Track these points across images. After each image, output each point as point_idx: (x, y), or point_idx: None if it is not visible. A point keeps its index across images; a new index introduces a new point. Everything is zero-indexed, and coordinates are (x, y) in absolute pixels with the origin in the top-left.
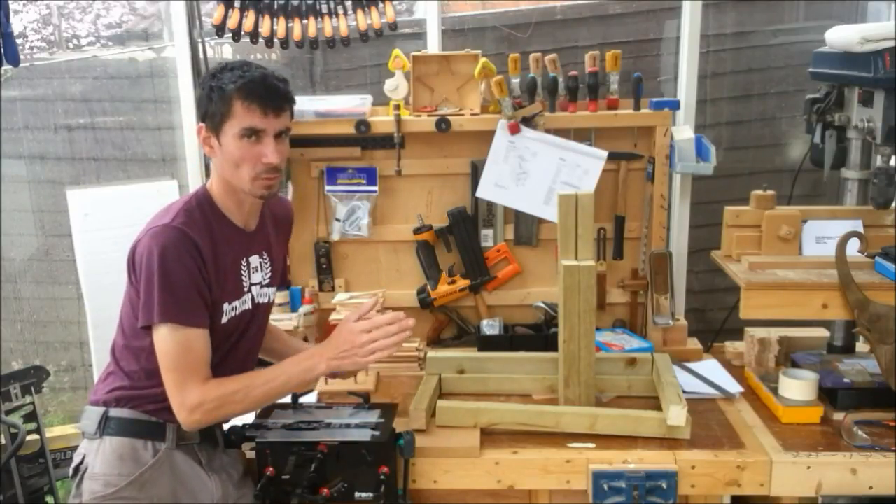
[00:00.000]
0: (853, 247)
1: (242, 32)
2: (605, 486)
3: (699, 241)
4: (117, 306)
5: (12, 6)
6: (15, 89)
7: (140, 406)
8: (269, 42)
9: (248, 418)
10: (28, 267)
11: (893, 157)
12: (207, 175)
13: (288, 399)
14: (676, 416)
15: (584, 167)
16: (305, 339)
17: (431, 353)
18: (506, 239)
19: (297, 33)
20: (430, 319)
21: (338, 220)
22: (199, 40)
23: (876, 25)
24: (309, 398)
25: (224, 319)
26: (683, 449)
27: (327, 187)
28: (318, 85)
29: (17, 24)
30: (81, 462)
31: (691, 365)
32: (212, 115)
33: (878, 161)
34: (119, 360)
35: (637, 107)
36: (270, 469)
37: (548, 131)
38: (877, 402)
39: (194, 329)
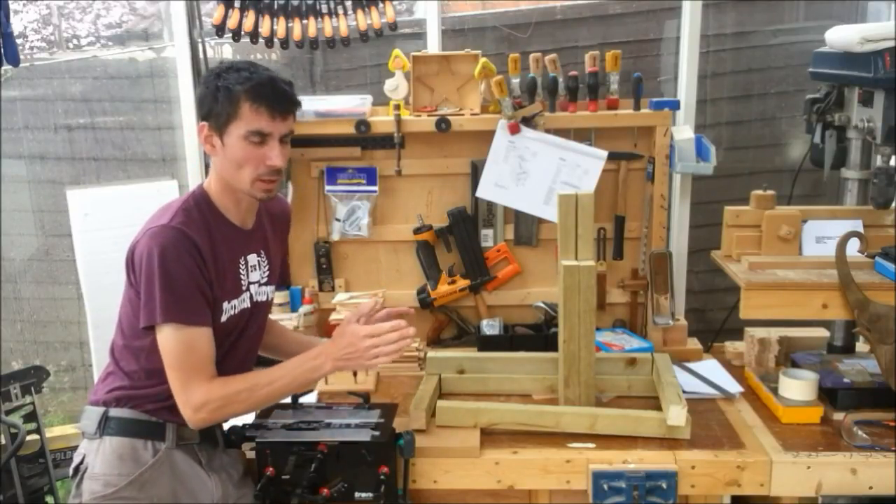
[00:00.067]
0: (853, 247)
1: (242, 32)
2: (605, 486)
3: (699, 241)
4: (117, 306)
5: (12, 6)
6: (15, 89)
7: (140, 406)
8: (269, 42)
9: (249, 418)
10: (28, 267)
11: (893, 157)
12: (207, 175)
13: (288, 399)
14: (676, 416)
15: (584, 167)
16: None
17: (431, 353)
18: (506, 239)
19: (297, 33)
20: (430, 319)
21: (338, 220)
22: (199, 40)
23: (876, 25)
24: (309, 398)
25: (223, 318)
26: (683, 449)
27: (327, 187)
28: (318, 85)
29: (17, 24)
30: (81, 462)
31: (691, 365)
32: (216, 114)
33: (878, 161)
34: (118, 360)
35: (637, 107)
36: (270, 469)
37: (548, 131)
38: (877, 402)
39: (197, 328)
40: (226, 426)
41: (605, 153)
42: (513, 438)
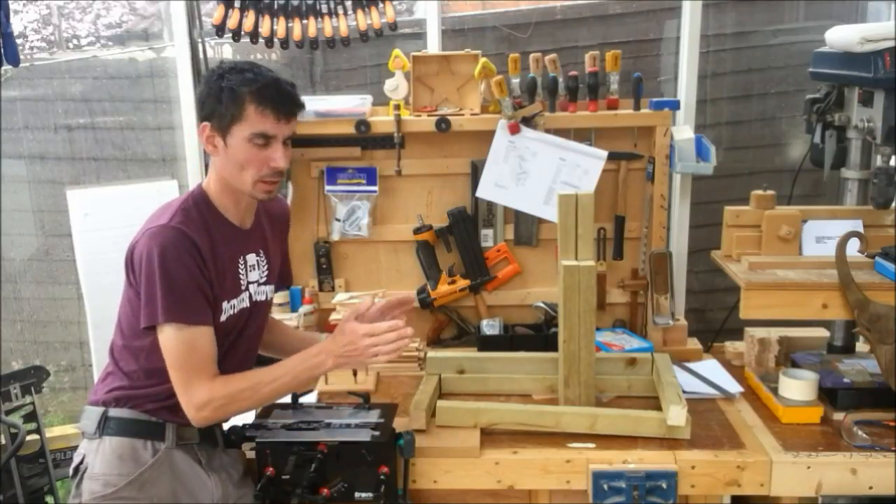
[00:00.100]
0: (853, 247)
1: (242, 32)
2: (605, 486)
3: (699, 241)
4: (117, 306)
5: (12, 6)
6: (15, 89)
7: (139, 406)
8: (269, 42)
9: (248, 418)
10: (28, 267)
11: (893, 157)
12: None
13: (288, 399)
14: (676, 416)
15: (584, 167)
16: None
17: (431, 353)
18: (506, 239)
19: (297, 33)
20: (430, 319)
21: (338, 220)
22: (199, 40)
23: (876, 25)
24: (309, 398)
25: (223, 318)
26: (683, 449)
27: (327, 187)
28: (318, 85)
29: (17, 24)
30: (81, 462)
31: (691, 365)
32: (220, 115)
33: (878, 161)
34: (118, 360)
35: (637, 107)
36: (270, 469)
37: (548, 131)
38: (877, 402)
39: (199, 327)
40: (225, 426)
41: (605, 153)
42: (513, 438)
